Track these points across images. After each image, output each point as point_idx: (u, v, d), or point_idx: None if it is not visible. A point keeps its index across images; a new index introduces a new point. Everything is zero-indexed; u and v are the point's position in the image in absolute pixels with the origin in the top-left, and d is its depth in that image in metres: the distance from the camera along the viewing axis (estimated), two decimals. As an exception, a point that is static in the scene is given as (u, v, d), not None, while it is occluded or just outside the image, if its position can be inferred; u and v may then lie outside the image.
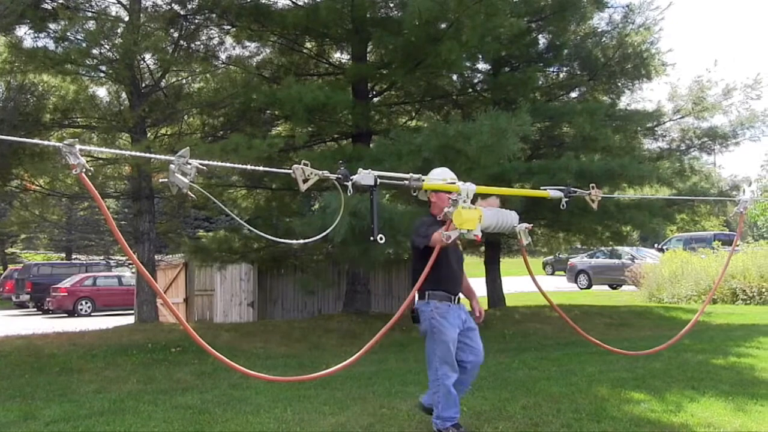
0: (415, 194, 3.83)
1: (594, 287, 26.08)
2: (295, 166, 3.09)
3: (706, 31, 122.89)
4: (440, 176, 4.81)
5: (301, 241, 3.90)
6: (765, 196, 27.02)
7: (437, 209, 4.92)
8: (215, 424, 5.80)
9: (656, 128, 15.53)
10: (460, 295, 5.23)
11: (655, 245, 30.22)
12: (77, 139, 2.63)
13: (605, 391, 6.72)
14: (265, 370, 8.29)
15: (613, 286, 25.40)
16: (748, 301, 16.79)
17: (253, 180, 13.48)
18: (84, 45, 11.13)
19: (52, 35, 11.81)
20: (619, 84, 15.02)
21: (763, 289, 16.82)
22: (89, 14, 11.71)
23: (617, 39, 14.58)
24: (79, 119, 13.06)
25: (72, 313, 24.87)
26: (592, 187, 4.85)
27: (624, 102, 15.73)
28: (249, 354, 10.17)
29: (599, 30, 14.97)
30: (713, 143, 15.69)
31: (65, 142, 2.51)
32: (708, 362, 8.38)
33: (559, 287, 25.73)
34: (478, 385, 6.60)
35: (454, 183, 4.59)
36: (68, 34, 11.23)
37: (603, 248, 23.53)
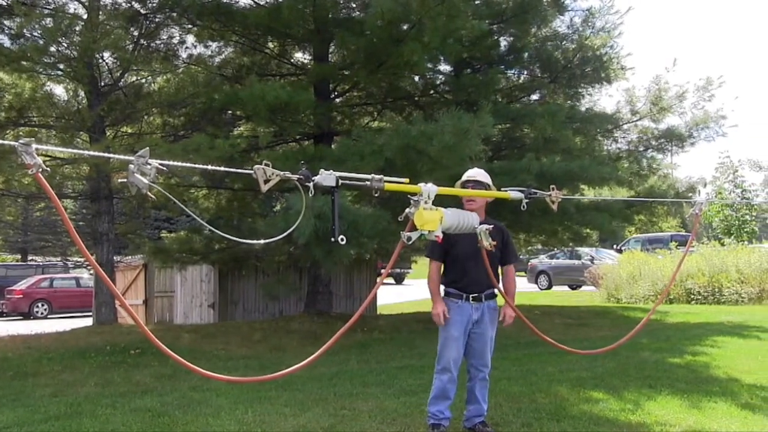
0: (376, 195, 3.83)
1: (554, 288, 26.38)
2: (257, 166, 3.07)
3: (663, 32, 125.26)
4: (471, 176, 5.18)
5: (263, 241, 3.87)
6: (719, 198, 27.58)
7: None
8: (175, 426, 5.73)
9: (615, 130, 15.77)
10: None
11: (614, 246, 30.67)
12: (33, 138, 2.58)
13: (565, 390, 6.81)
14: (226, 371, 8.24)
15: (573, 287, 25.71)
16: (703, 301, 17.14)
17: (215, 180, 13.38)
18: (41, 42, 10.92)
19: (7, 32, 11.59)
20: (579, 87, 15.21)
21: (716, 289, 17.18)
22: (46, 11, 11.50)
23: (577, 42, 14.77)
24: (35, 118, 12.83)
25: (27, 315, 24.40)
26: (553, 189, 4.90)
27: (584, 104, 15.94)
28: (210, 356, 10.08)
29: (560, 33, 15.13)
30: (669, 144, 15.99)
31: (21, 141, 2.45)
32: (665, 361, 8.54)
33: (519, 288, 25.87)
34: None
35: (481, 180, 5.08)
36: (24, 30, 11.01)
37: (564, 249, 23.81)
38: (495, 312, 5.26)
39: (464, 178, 5.20)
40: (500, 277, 5.38)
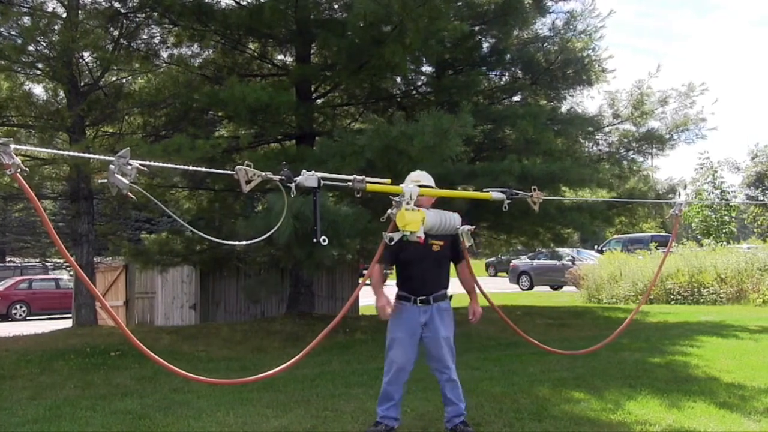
0: (358, 195, 3.83)
1: (536, 288, 26.48)
2: (238, 167, 3.06)
3: (646, 36, 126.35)
4: (414, 179, 5.00)
5: (244, 242, 3.87)
6: (699, 199, 27.83)
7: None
8: (156, 429, 5.70)
9: (596, 132, 15.84)
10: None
11: (595, 247, 30.85)
12: (11, 138, 2.55)
13: (546, 390, 6.83)
14: (207, 373, 8.19)
15: (555, 287, 25.83)
16: (682, 301, 17.28)
17: (196, 181, 13.31)
18: (19, 41, 10.82)
19: (-16, 30, 11.46)
20: (561, 89, 15.27)
21: (695, 290, 17.33)
22: (24, 9, 11.39)
23: (559, 44, 14.82)
24: (13, 117, 12.70)
25: (6, 317, 24.08)
26: (534, 190, 4.93)
27: (565, 106, 16.01)
28: (191, 357, 10.03)
29: (541, 35, 15.18)
30: (650, 146, 16.09)
31: (-1, 141, 2.43)
32: (645, 361, 8.59)
33: (501, 288, 26.06)
34: (421, 386, 6.64)
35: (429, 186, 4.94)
36: (1, 29, 10.90)
37: (544, 250, 23.91)
38: (446, 313, 5.27)
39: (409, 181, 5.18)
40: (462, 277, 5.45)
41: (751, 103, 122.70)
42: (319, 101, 13.68)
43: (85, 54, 12.05)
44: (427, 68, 14.07)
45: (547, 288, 26.27)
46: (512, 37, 14.32)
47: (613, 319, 13.97)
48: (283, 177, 3.23)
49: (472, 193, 5.03)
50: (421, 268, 5.14)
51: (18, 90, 12.63)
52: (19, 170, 2.47)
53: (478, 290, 5.37)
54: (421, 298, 5.15)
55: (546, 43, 15.00)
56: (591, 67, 14.80)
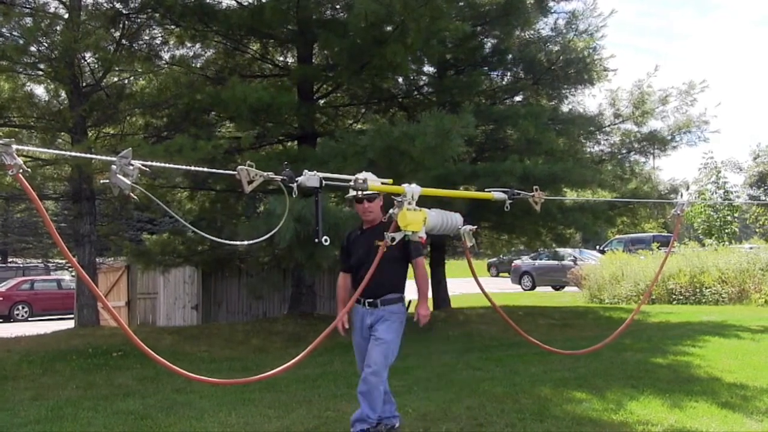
0: (360, 197, 3.83)
1: (538, 288, 26.45)
2: (240, 167, 3.05)
3: (647, 35, 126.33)
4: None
5: (246, 242, 3.87)
6: (702, 199, 27.78)
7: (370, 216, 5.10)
8: (158, 429, 5.70)
9: (597, 132, 15.84)
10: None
11: (597, 247, 30.78)
12: (13, 139, 2.54)
13: (548, 390, 6.83)
14: (209, 373, 8.18)
15: (557, 288, 25.79)
16: (684, 301, 17.25)
17: (198, 182, 13.30)
18: (21, 42, 10.82)
19: (-15, 31, 11.46)
20: (562, 88, 15.27)
21: (697, 290, 17.30)
22: (26, 10, 11.40)
23: (561, 44, 14.83)
24: (15, 118, 12.69)
25: (8, 318, 24.07)
26: (536, 190, 4.92)
27: (567, 106, 16.00)
28: (193, 358, 10.02)
29: (543, 35, 15.22)
30: (652, 147, 16.08)
31: (0, 141, 2.43)
32: (647, 361, 8.58)
33: (503, 288, 26.02)
34: (423, 387, 6.64)
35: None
36: (3, 29, 10.90)
37: (546, 250, 23.86)
38: (396, 316, 5.16)
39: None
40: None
41: (753, 103, 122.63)
42: (320, 102, 13.69)
43: (87, 55, 12.05)
44: (428, 68, 14.10)
45: (549, 288, 26.22)
46: (514, 37, 14.33)
47: (615, 320, 13.94)
48: (284, 177, 3.22)
49: (473, 193, 5.01)
50: (367, 270, 5.02)
51: (20, 91, 12.63)
52: (21, 171, 2.47)
53: (480, 291, 5.32)
54: (368, 300, 5.11)
55: (548, 43, 15.03)
56: (592, 66, 14.81)
